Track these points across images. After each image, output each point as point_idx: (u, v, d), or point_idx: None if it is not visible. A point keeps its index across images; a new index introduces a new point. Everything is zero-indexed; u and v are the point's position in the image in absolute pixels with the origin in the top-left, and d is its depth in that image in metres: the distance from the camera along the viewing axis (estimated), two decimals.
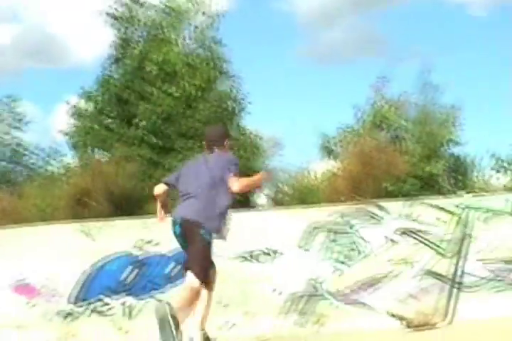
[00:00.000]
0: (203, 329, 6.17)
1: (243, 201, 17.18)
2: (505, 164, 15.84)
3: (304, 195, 16.83)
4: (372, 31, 36.04)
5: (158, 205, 6.74)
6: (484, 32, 34.11)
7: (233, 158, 6.55)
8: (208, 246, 6.16)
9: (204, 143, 6.85)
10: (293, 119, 31.97)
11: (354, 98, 16.78)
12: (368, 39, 35.11)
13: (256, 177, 6.79)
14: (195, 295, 6.10)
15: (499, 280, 8.66)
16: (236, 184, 6.18)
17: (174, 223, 6.28)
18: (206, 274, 6.15)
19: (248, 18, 31.84)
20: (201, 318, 6.17)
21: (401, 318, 7.80)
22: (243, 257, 9.03)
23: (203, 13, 19.12)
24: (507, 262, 8.56)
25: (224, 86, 18.80)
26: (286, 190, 19.70)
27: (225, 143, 6.65)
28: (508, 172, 16.03)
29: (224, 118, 17.83)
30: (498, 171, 16.09)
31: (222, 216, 6.30)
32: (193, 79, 17.47)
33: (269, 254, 9.01)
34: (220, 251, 9.01)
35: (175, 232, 6.31)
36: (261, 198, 20.46)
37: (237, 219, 9.34)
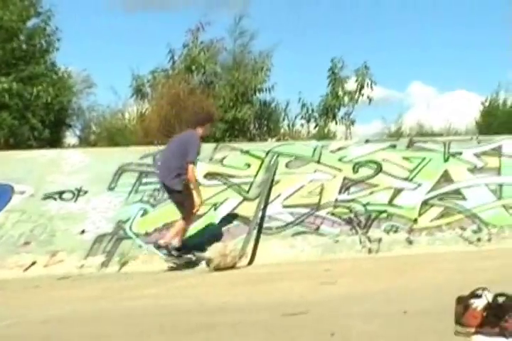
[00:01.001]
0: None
1: (54, 139, 16.82)
2: (313, 113, 16.49)
3: (115, 136, 16.69)
4: None
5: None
6: None
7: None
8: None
9: None
10: (107, 59, 31.19)
11: (171, 42, 16.49)
12: None
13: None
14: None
15: (299, 224, 9.11)
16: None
17: None
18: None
19: None
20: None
21: (204, 258, 8.00)
22: (52, 197, 9.00)
23: None
24: (307, 206, 9.02)
25: (34, 23, 18.03)
26: (97, 130, 19.41)
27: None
28: (315, 120, 16.66)
29: (36, 54, 17.18)
30: (306, 119, 16.67)
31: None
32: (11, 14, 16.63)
33: (78, 195, 9.03)
34: (30, 191, 9.07)
35: None
36: (72, 138, 20.06)
37: (47, 158, 9.34)
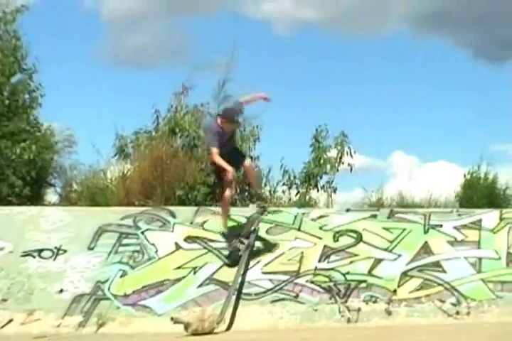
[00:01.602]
0: None
1: (34, 197, 16.74)
2: (295, 179, 16.56)
3: (95, 196, 16.63)
4: (178, 38, 36.22)
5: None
6: (286, 49, 35.45)
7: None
8: None
9: None
10: (90, 118, 31.36)
11: (156, 104, 16.62)
12: (173, 46, 35.24)
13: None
14: None
15: (278, 291, 9.04)
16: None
17: None
18: None
19: (51, 14, 30.87)
20: None
21: (182, 323, 7.89)
22: (31, 255, 8.95)
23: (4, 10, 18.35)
24: (286, 273, 9.00)
25: (17, 79, 18.16)
26: (78, 189, 19.34)
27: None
28: (297, 187, 16.72)
29: (18, 110, 17.26)
30: (287, 186, 16.73)
31: None
32: None
33: (57, 253, 8.98)
34: (8, 247, 9.01)
35: None
36: (52, 195, 19.97)
37: (27, 215, 9.32)
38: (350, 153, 16.75)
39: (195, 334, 7.70)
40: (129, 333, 8.14)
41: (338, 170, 17.08)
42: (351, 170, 16.83)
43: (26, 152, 15.50)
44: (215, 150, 8.86)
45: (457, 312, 9.16)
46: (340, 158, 16.86)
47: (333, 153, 16.98)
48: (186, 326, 7.81)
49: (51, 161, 18.33)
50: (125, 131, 17.10)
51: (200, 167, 15.84)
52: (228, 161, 8.84)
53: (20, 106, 16.88)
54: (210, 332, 7.91)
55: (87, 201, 16.43)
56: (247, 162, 9.53)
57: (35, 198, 16.73)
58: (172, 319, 7.98)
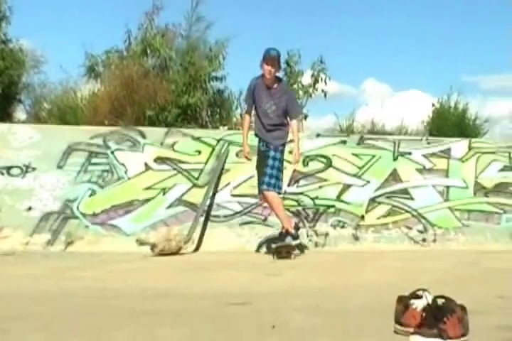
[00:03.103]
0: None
1: (2, 114, 16.55)
2: None
3: (65, 115, 16.50)
4: None
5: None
6: None
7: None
8: None
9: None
10: (59, 37, 30.72)
11: (128, 24, 16.34)
12: None
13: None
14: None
15: (247, 214, 9.21)
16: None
17: None
18: None
19: None
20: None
21: (147, 244, 7.95)
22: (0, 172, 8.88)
23: None
24: (255, 196, 8.99)
25: None
26: (48, 107, 19.15)
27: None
28: None
29: None
30: None
31: None
32: None
33: (26, 171, 8.92)
34: None
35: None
36: (21, 113, 19.78)
37: None
38: (325, 79, 16.69)
39: (161, 254, 7.76)
40: (96, 252, 8.20)
41: (311, 95, 17.04)
42: (325, 96, 16.81)
43: None
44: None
45: (423, 240, 9.34)
46: (314, 84, 16.81)
47: (305, 78, 16.92)
48: (152, 247, 7.86)
49: (19, 78, 18.07)
50: (95, 50, 16.88)
51: (171, 88, 15.72)
52: None
53: None
54: (177, 252, 7.98)
55: (56, 120, 16.33)
56: None
57: (4, 116, 16.55)
58: (137, 241, 8.03)
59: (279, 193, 7.95)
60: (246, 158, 8.14)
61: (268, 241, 8.65)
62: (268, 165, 7.81)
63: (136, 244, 8.04)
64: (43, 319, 3.74)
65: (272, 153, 7.85)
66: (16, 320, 3.70)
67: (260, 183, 7.91)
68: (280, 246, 7.69)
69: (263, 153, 7.96)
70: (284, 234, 7.76)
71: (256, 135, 8.11)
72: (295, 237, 7.79)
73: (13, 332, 3.36)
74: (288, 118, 8.01)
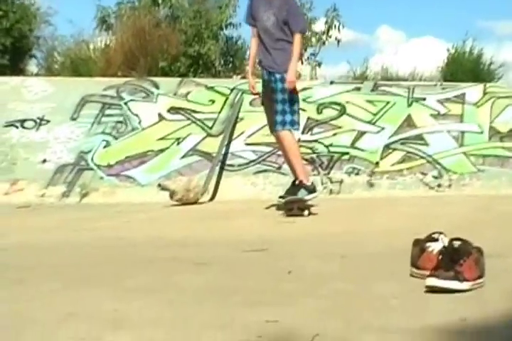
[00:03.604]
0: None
1: (11, 66, 16.50)
2: None
3: (78, 67, 16.43)
4: None
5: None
6: None
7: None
8: None
9: None
10: None
11: None
12: None
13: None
14: None
15: (261, 162, 9.16)
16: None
17: None
18: None
19: None
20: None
21: (168, 190, 7.89)
22: (13, 125, 8.88)
23: None
24: (269, 145, 8.93)
25: None
26: (60, 60, 19.09)
27: None
28: None
29: None
30: None
31: None
32: None
33: (40, 124, 8.91)
34: None
35: None
36: (34, 67, 19.72)
37: (9, 85, 9.16)
38: (339, 27, 16.52)
39: (178, 203, 7.79)
40: (112, 203, 8.23)
41: (324, 43, 16.89)
42: (338, 44, 16.65)
43: (3, 19, 15.12)
44: None
45: (439, 185, 9.31)
46: (328, 31, 16.64)
47: (318, 25, 16.74)
48: (172, 194, 7.86)
49: (30, 31, 17.96)
50: (107, 2, 16.78)
51: (183, 38, 15.61)
52: None
53: None
54: (195, 203, 8.01)
55: (69, 72, 16.27)
56: None
57: (16, 69, 16.51)
58: (159, 185, 8.06)
59: (297, 130, 7.12)
60: (252, 92, 7.28)
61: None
62: (277, 101, 6.70)
63: (157, 189, 8.10)
64: (58, 268, 3.78)
65: (278, 85, 6.68)
66: (32, 269, 3.74)
67: (273, 124, 6.87)
68: (291, 201, 6.54)
69: (268, 84, 6.88)
70: (296, 187, 6.72)
71: (259, 62, 7.11)
72: (311, 190, 6.75)
73: (29, 281, 3.39)
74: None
